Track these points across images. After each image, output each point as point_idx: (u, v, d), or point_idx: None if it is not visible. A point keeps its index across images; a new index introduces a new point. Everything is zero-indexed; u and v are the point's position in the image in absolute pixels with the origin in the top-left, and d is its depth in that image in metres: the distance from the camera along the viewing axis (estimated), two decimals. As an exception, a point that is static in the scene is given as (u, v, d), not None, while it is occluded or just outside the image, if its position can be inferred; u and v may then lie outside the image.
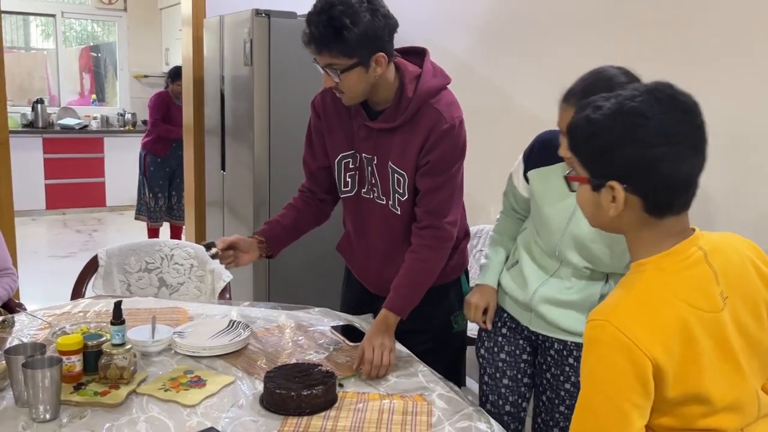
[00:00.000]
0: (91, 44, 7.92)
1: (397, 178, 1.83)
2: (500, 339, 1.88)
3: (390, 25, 1.73)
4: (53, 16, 7.42)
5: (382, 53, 1.71)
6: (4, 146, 3.74)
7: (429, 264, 1.84)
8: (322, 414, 1.48)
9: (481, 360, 1.92)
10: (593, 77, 1.53)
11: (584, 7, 2.63)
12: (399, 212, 1.86)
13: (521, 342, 1.85)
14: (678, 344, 1.07)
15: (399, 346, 1.88)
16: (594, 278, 1.70)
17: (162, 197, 5.51)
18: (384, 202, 1.88)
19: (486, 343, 1.91)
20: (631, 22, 2.45)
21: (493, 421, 1.50)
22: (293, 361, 1.73)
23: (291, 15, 3.46)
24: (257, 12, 3.34)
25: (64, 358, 1.51)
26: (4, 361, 1.52)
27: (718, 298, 1.12)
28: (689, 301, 1.10)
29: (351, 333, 1.93)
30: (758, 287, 1.19)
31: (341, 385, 1.61)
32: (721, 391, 1.11)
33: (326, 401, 1.51)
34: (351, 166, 1.92)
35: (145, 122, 7.46)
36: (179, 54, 5.35)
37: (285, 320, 2.04)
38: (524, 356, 1.85)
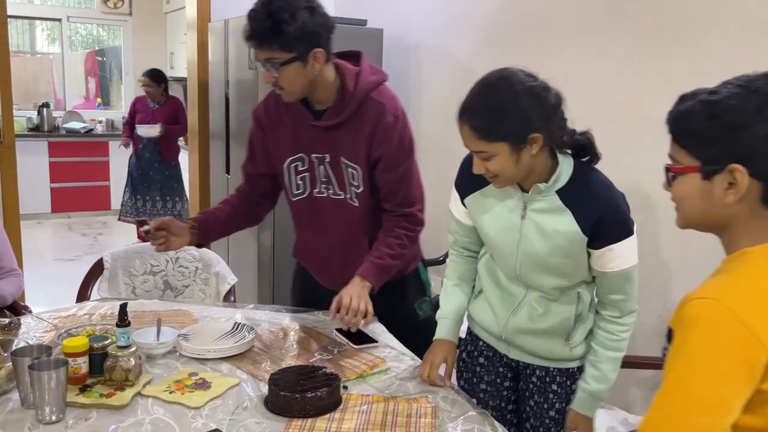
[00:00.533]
0: (97, 48, 7.95)
1: (351, 172, 1.91)
2: (478, 369, 1.79)
3: (328, 24, 1.80)
4: (59, 20, 7.46)
5: (320, 49, 1.78)
6: (10, 150, 3.76)
7: (402, 242, 1.93)
8: (327, 416, 1.48)
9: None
10: (488, 87, 1.48)
11: (587, 9, 2.64)
12: (357, 204, 1.94)
13: (501, 369, 1.77)
14: None
15: (404, 349, 1.89)
16: (565, 301, 1.63)
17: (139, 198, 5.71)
18: (342, 197, 1.95)
19: (464, 374, 1.83)
20: (633, 24, 2.45)
21: (497, 424, 1.50)
22: (298, 363, 1.73)
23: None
24: (262, 16, 3.35)
25: (69, 360, 1.52)
26: (10, 363, 1.52)
27: None
28: None
29: (355, 335, 1.93)
30: None
31: (345, 388, 1.61)
32: None
33: (330, 403, 1.51)
34: (301, 168, 1.96)
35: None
36: (184, 58, 5.37)
37: (289, 323, 2.05)
38: (506, 383, 1.78)
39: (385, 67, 3.74)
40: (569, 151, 1.57)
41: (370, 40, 3.69)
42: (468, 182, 1.65)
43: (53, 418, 1.42)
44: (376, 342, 1.90)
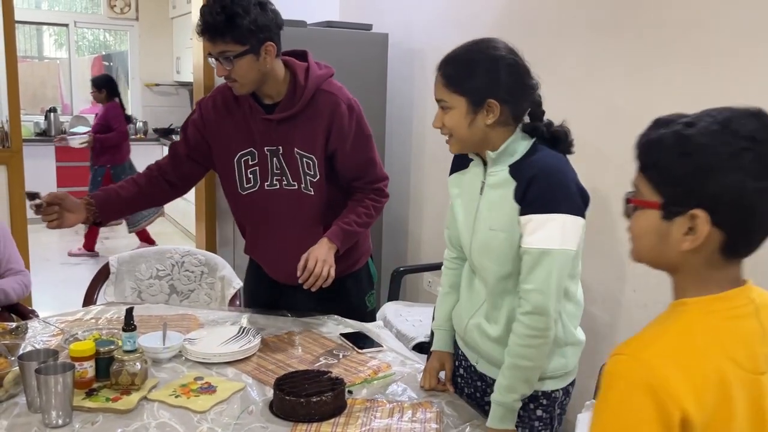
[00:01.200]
0: (103, 53, 7.99)
1: (306, 162, 1.97)
2: (459, 380, 1.72)
3: (278, 21, 1.90)
4: (66, 25, 7.50)
5: (271, 43, 1.86)
6: (17, 154, 3.78)
7: (369, 212, 2.05)
8: (331, 421, 1.49)
9: None
10: (471, 44, 1.50)
11: (592, 14, 2.64)
12: (312, 192, 2.00)
13: (479, 384, 1.66)
14: (713, 400, 0.93)
15: (409, 354, 1.89)
16: (513, 302, 1.51)
17: None
18: (295, 188, 2.00)
19: (454, 384, 1.74)
20: (638, 27, 2.45)
21: None
22: (303, 368, 1.74)
23: (301, 24, 3.49)
24: (267, 21, 3.36)
25: (76, 364, 1.53)
26: (17, 367, 1.53)
27: (761, 359, 0.98)
28: (732, 355, 0.96)
29: (360, 340, 1.94)
30: None
31: (350, 392, 1.62)
32: None
33: (335, 408, 1.52)
34: (251, 162, 2.01)
35: (156, 130, 7.54)
36: (190, 63, 5.39)
37: (294, 327, 2.05)
38: (486, 398, 1.61)
39: (390, 72, 3.75)
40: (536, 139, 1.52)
41: (375, 45, 3.70)
42: (454, 165, 1.67)
43: (60, 422, 1.43)
44: (381, 347, 1.91)
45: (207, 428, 1.44)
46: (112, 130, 5.58)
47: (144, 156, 7.31)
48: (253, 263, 2.26)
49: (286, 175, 2.00)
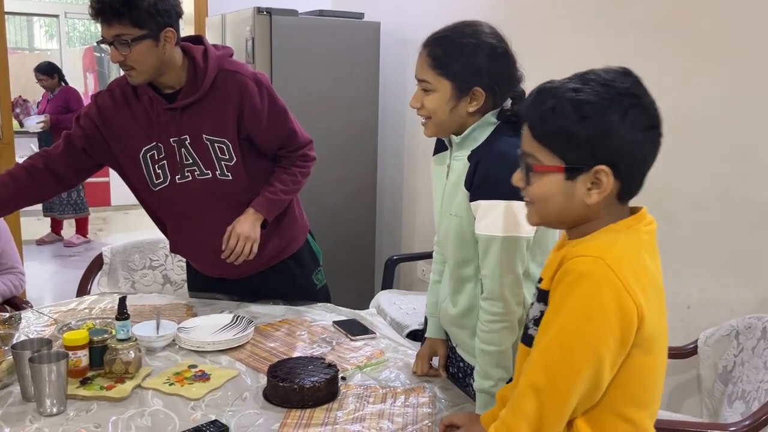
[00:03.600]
0: (95, 44, 7.95)
1: (218, 147, 1.90)
2: (447, 361, 1.72)
3: (177, 8, 1.83)
4: (56, 16, 7.46)
5: (171, 29, 1.79)
6: (8, 146, 3.77)
7: (295, 178, 2.02)
8: (325, 406, 1.50)
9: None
10: (462, 26, 1.49)
11: (582, 7, 2.64)
12: (230, 177, 1.94)
13: (461, 365, 1.67)
14: (654, 298, 1.06)
15: (402, 340, 1.90)
16: (471, 288, 1.52)
17: None
18: (209, 176, 1.93)
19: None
20: (628, 21, 2.46)
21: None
22: (296, 355, 1.75)
23: (292, 12, 3.48)
24: (259, 10, 3.35)
25: (70, 353, 1.53)
26: (11, 357, 1.54)
27: (659, 264, 1.14)
28: (654, 261, 1.11)
29: (353, 327, 1.95)
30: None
31: (344, 378, 1.63)
32: (665, 349, 1.12)
33: (329, 394, 1.53)
34: (157, 157, 1.93)
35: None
36: (182, 53, 5.37)
37: (288, 315, 2.06)
38: (467, 380, 1.63)
39: (383, 61, 3.74)
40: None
41: (367, 34, 3.69)
42: (437, 146, 1.65)
43: (54, 410, 1.43)
44: (374, 334, 1.92)
45: (201, 415, 1.45)
46: (71, 111, 5.58)
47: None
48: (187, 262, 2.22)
49: (198, 164, 1.92)
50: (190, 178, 1.93)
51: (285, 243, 2.10)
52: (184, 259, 2.30)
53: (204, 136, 1.89)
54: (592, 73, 1.09)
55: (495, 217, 1.38)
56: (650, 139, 1.07)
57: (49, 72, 5.67)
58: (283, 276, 2.11)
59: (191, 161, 1.92)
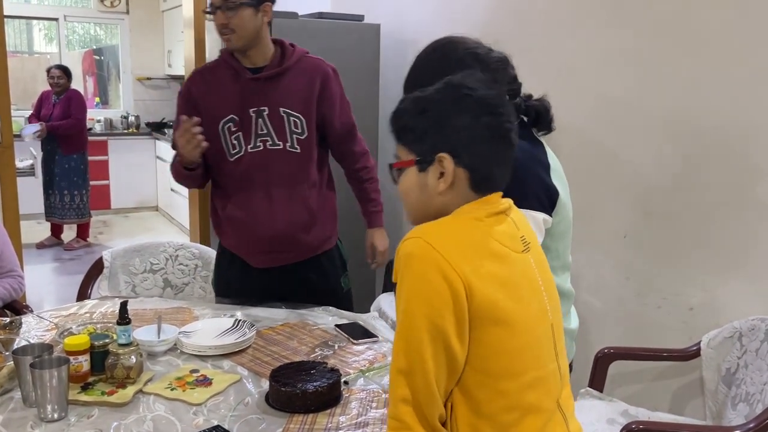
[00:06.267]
0: (94, 47, 7.94)
1: (293, 120, 2.07)
2: None
3: None
4: (56, 20, 7.45)
5: (269, 3, 2.03)
6: (8, 150, 3.76)
7: (377, 185, 2.31)
8: (328, 411, 1.49)
9: None
10: (435, 43, 1.61)
11: (582, 6, 2.64)
12: (299, 150, 2.09)
13: None
14: (490, 269, 1.11)
15: (392, 337, 1.89)
16: None
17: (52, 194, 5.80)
18: (281, 146, 2.08)
19: None
20: (628, 17, 2.45)
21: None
22: (298, 359, 1.74)
23: (292, 15, 3.47)
24: (259, 13, 3.34)
25: (71, 358, 1.53)
26: (12, 362, 1.53)
27: (519, 241, 1.21)
28: (498, 239, 1.16)
29: (355, 331, 1.94)
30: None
31: (346, 383, 1.62)
32: (527, 319, 1.16)
33: (331, 398, 1.52)
34: (234, 128, 2.07)
35: (148, 124, 7.51)
36: (181, 56, 5.37)
37: (290, 319, 2.05)
38: None
39: (383, 63, 3.74)
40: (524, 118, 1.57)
41: (368, 36, 3.68)
42: None
43: (55, 416, 1.43)
44: (377, 337, 1.91)
45: (203, 420, 1.44)
46: (70, 117, 5.59)
47: (137, 150, 7.31)
48: (225, 252, 2.26)
49: (271, 135, 2.06)
50: (262, 147, 2.07)
51: (325, 235, 2.22)
52: (186, 265, 2.29)
53: (281, 109, 2.05)
54: (446, 77, 1.23)
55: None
56: (486, 126, 1.16)
57: (68, 73, 5.72)
58: (316, 271, 2.21)
59: (265, 131, 2.06)
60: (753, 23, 2.09)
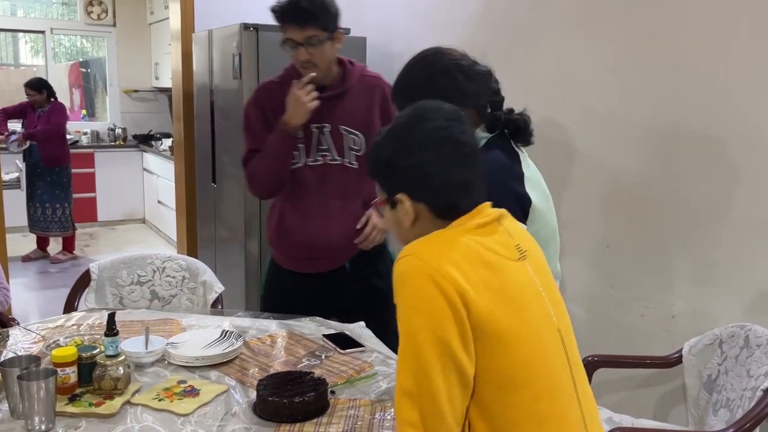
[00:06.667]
0: (81, 60, 7.94)
1: (352, 138, 2.16)
2: None
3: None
4: (42, 32, 7.44)
5: (341, 30, 2.08)
6: (-6, 162, 3.75)
7: None
8: (314, 420, 1.50)
9: None
10: (418, 56, 1.66)
11: (567, 15, 2.68)
12: (356, 165, 2.18)
13: None
14: (483, 277, 1.13)
15: (391, 353, 1.91)
16: None
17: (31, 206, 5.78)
18: (339, 162, 2.17)
19: None
20: (614, 27, 2.50)
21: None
22: (285, 369, 1.75)
23: (279, 28, 3.49)
24: (245, 26, 3.37)
25: (58, 369, 1.53)
26: (-1, 374, 1.53)
27: (513, 250, 1.22)
28: (489, 247, 1.18)
29: (342, 341, 1.96)
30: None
31: (333, 392, 1.63)
32: (528, 327, 1.16)
33: (318, 408, 1.53)
34: (297, 138, 2.13)
35: (135, 137, 7.50)
36: (169, 68, 5.38)
37: (277, 329, 2.07)
38: None
39: (369, 75, 3.77)
40: (499, 132, 1.62)
41: (354, 49, 3.71)
42: None
43: (43, 427, 1.43)
44: (363, 347, 1.93)
45: (191, 431, 1.45)
46: (49, 124, 5.57)
47: (124, 162, 7.30)
48: (276, 265, 2.30)
49: (331, 150, 2.16)
50: (321, 161, 2.16)
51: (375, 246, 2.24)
52: (173, 277, 2.29)
53: (342, 126, 2.15)
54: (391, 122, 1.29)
55: None
56: (434, 159, 1.20)
57: (38, 87, 5.65)
58: (363, 275, 2.24)
59: (326, 147, 2.16)
60: (733, 34, 2.13)
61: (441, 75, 1.54)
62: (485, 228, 1.21)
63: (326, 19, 2.02)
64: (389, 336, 1.90)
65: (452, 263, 1.11)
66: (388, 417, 1.53)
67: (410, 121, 1.25)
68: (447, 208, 1.22)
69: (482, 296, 1.10)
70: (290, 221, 2.22)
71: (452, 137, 1.22)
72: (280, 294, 2.32)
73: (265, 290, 2.40)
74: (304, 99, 2.02)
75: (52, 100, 5.73)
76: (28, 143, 5.58)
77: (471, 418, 1.12)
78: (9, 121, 5.90)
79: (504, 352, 1.11)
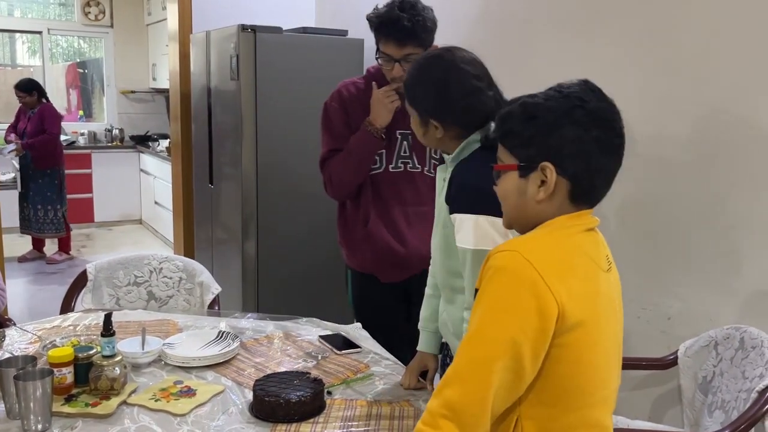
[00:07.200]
0: (78, 60, 7.93)
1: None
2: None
3: None
4: (39, 33, 7.43)
5: (435, 45, 2.01)
6: (-9, 163, 3.75)
7: None
8: (311, 420, 1.51)
9: None
10: (430, 59, 1.62)
11: (565, 15, 2.69)
12: (433, 174, 2.14)
13: None
14: (584, 295, 1.10)
15: (387, 354, 1.91)
16: (459, 301, 1.60)
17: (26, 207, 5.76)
18: (419, 170, 2.19)
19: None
20: (609, 27, 2.51)
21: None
22: (282, 369, 1.76)
23: (277, 30, 3.50)
24: (243, 27, 3.38)
25: (55, 370, 1.53)
26: (-5, 374, 1.53)
27: (605, 259, 1.20)
28: (592, 256, 1.16)
29: (339, 342, 1.96)
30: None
31: (329, 393, 1.64)
32: (606, 340, 1.16)
33: (315, 408, 1.54)
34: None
35: (132, 137, 7.49)
36: (166, 69, 5.38)
37: (273, 330, 2.07)
38: None
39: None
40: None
41: (351, 51, 3.72)
42: (441, 159, 1.74)
43: (39, 428, 1.43)
44: (360, 348, 1.93)
45: (187, 431, 1.45)
46: (44, 132, 5.55)
47: (121, 163, 7.29)
48: (356, 275, 2.28)
49: (412, 158, 2.16)
50: (402, 168, 2.16)
51: None
52: (170, 277, 2.28)
53: None
54: (557, 84, 1.19)
55: (467, 230, 1.47)
56: (595, 140, 1.14)
57: (28, 89, 5.61)
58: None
59: (407, 154, 2.16)
60: (732, 35, 2.14)
61: (454, 66, 1.55)
62: (588, 234, 1.18)
63: (425, 38, 1.99)
64: None
65: (557, 271, 1.08)
66: (384, 417, 1.53)
67: (582, 93, 1.16)
68: (584, 193, 1.16)
69: (577, 307, 1.08)
70: (373, 227, 2.19)
71: (614, 124, 1.17)
72: (370, 303, 2.28)
73: (355, 303, 2.36)
74: (385, 100, 2.01)
75: (43, 101, 5.70)
76: (23, 151, 5.56)
77: (522, 417, 1.12)
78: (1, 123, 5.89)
79: (578, 360, 1.11)
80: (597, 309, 1.13)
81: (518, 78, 2.87)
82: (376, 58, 2.06)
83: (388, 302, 2.25)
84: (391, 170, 2.16)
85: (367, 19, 2.02)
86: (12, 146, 5.52)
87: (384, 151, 2.13)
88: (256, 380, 1.61)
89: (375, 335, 2.04)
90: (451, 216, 1.52)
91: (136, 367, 1.75)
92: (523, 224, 1.21)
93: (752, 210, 2.11)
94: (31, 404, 1.42)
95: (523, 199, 1.18)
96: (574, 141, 1.13)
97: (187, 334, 1.96)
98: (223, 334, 1.94)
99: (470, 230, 1.46)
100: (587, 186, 1.16)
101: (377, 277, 2.24)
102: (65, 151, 6.45)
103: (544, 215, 1.17)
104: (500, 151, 1.21)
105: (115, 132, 7.51)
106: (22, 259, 5.84)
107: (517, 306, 1.05)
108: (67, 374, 1.58)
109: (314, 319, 2.17)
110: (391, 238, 2.19)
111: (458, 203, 1.50)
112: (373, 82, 2.13)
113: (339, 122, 2.17)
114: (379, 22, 1.99)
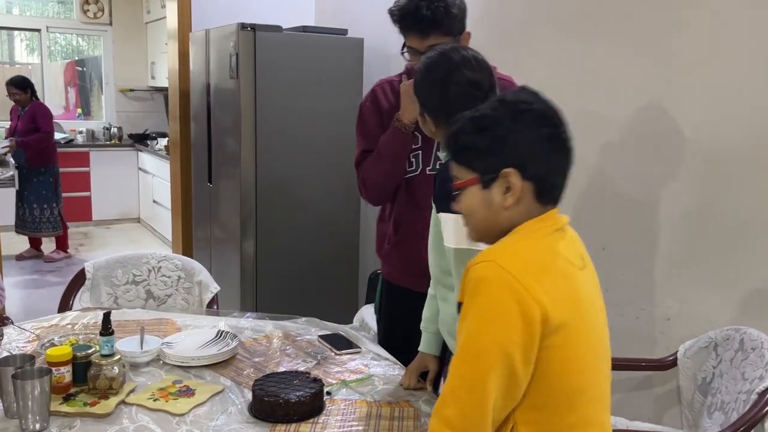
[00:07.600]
0: (77, 58, 7.91)
1: None
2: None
3: None
4: (38, 30, 7.41)
5: (468, 31, 1.91)
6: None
7: None
8: (310, 420, 1.50)
9: None
10: (435, 60, 1.61)
11: (562, 16, 2.69)
12: None
13: None
14: (563, 296, 1.12)
15: (387, 354, 1.91)
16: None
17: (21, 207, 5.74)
18: None
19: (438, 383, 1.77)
20: (605, 29, 2.51)
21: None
22: (281, 369, 1.75)
23: (276, 29, 3.50)
24: (243, 26, 3.37)
25: (53, 369, 1.53)
26: (-7, 373, 1.52)
27: (579, 258, 1.22)
28: (563, 254, 1.18)
29: (338, 342, 1.96)
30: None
31: (329, 393, 1.63)
32: (593, 337, 1.18)
33: (314, 408, 1.53)
34: (414, 146, 1.99)
35: (131, 136, 7.48)
36: (165, 67, 5.37)
37: (272, 330, 2.06)
38: None
39: (366, 76, 3.77)
40: None
41: (351, 50, 3.72)
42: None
43: (37, 427, 1.43)
44: (359, 348, 1.93)
45: (186, 431, 1.45)
46: (38, 131, 5.53)
47: (119, 162, 7.28)
48: (387, 285, 2.15)
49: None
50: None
51: None
52: (169, 276, 2.27)
53: None
54: (497, 96, 1.26)
55: (449, 229, 1.49)
56: (547, 138, 1.18)
57: (22, 86, 5.59)
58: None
59: (443, 157, 1.99)
60: (730, 36, 2.14)
61: (461, 62, 1.56)
62: (559, 233, 1.20)
63: (450, 24, 1.85)
64: None
65: (535, 276, 1.09)
66: (383, 418, 1.52)
67: (522, 96, 1.21)
68: (548, 191, 1.19)
69: (559, 308, 1.09)
70: (405, 235, 2.05)
71: (557, 121, 1.21)
72: (397, 314, 2.12)
73: (381, 314, 2.23)
74: (411, 92, 1.85)
75: (34, 99, 5.68)
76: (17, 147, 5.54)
77: (518, 423, 1.13)
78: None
79: (567, 360, 1.12)
80: (579, 308, 1.14)
81: (518, 78, 2.86)
82: (402, 53, 1.98)
83: (418, 314, 2.04)
84: (428, 173, 1.99)
85: (389, 14, 1.93)
86: (6, 142, 5.51)
87: (420, 152, 1.99)
88: (256, 380, 1.60)
89: (400, 347, 1.95)
90: (438, 215, 1.56)
91: (134, 366, 1.75)
92: (493, 235, 1.22)
93: (753, 210, 2.11)
94: (29, 403, 1.41)
95: (491, 210, 1.19)
96: (529, 143, 1.17)
97: (185, 334, 1.95)
98: (222, 333, 1.93)
99: (452, 230, 1.48)
100: (550, 182, 1.20)
101: (408, 287, 2.05)
102: (63, 149, 6.45)
103: (515, 220, 1.19)
104: (456, 169, 1.23)
105: (114, 130, 7.50)
106: (19, 258, 5.83)
107: (501, 313, 1.07)
108: (66, 373, 1.57)
109: (314, 318, 2.16)
110: (423, 247, 1.98)
111: (441, 202, 1.53)
112: (403, 76, 2.04)
113: (372, 122, 2.05)
114: (401, 15, 1.88)
